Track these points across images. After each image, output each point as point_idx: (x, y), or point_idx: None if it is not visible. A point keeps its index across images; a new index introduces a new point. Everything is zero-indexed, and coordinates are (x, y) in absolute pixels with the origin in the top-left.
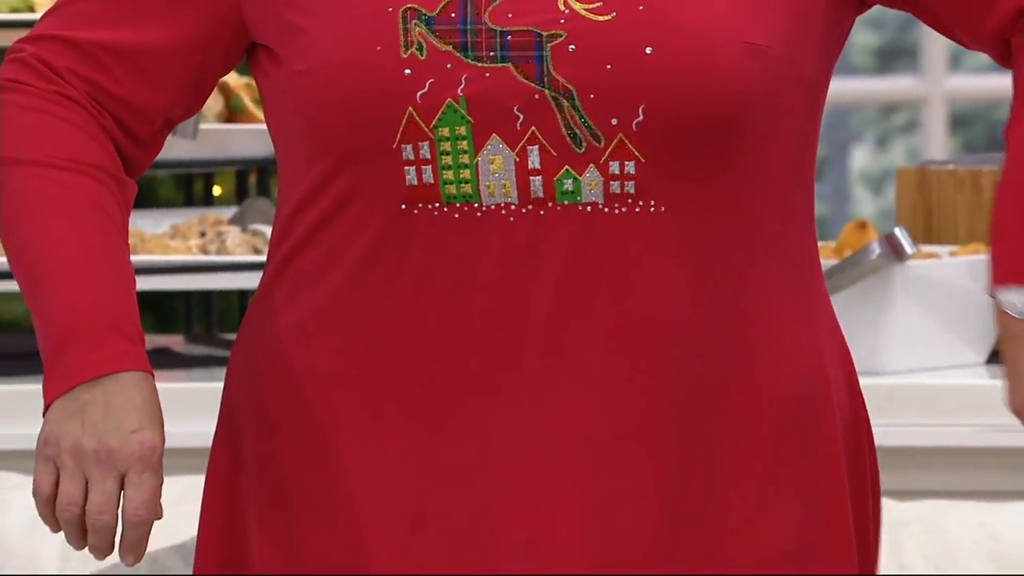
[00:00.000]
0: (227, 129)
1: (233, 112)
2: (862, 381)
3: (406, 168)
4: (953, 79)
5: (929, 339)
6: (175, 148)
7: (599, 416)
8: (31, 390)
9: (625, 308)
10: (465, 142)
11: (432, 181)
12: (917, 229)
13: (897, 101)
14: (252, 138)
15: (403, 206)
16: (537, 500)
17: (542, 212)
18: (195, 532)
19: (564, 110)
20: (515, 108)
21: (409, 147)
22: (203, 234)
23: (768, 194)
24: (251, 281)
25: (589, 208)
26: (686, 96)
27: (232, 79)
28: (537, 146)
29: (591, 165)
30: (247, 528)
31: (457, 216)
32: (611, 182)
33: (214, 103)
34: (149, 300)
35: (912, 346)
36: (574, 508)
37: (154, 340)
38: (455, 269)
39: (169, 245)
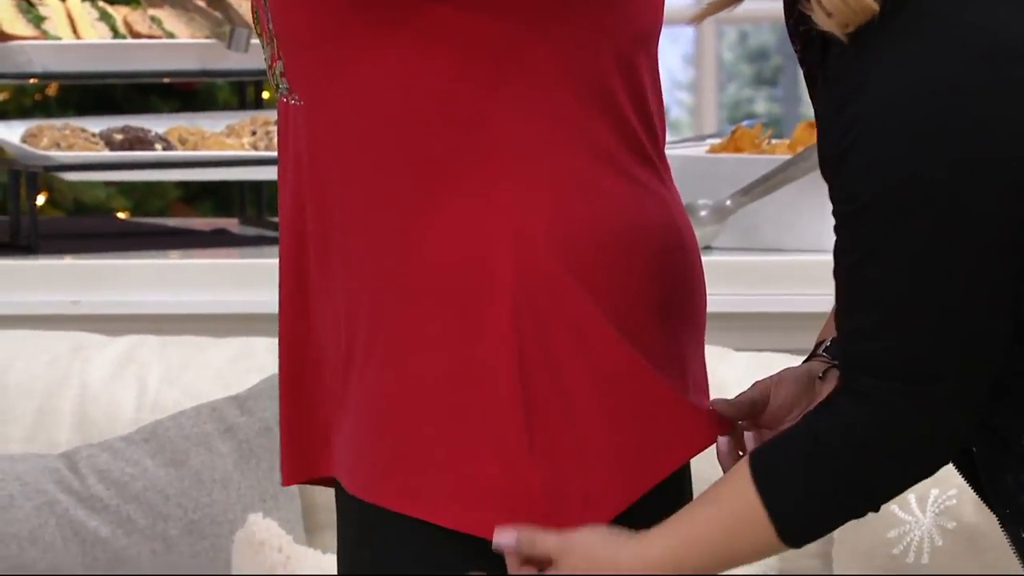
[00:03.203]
0: None
1: None
2: (811, 258)
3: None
4: None
5: None
6: (231, 59)
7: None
8: (111, 264)
9: (311, 187)
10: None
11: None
12: None
13: None
14: None
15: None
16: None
17: (284, 100)
18: (249, 385)
19: (269, 20)
20: (258, 11)
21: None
22: (254, 132)
23: (418, 98)
24: None
25: (286, 100)
26: (284, 9)
27: None
28: (268, 45)
29: (277, 62)
30: None
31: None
32: (281, 78)
33: None
34: (209, 188)
35: None
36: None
37: (213, 222)
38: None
39: (225, 142)
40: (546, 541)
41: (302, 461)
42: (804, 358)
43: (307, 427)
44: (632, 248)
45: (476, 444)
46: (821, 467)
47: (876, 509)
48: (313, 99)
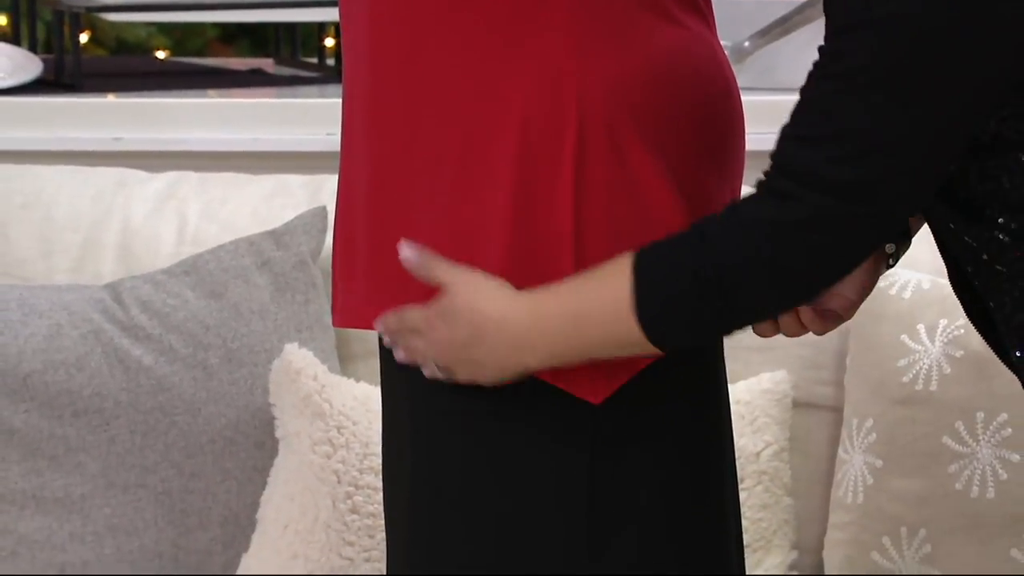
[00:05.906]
0: None
1: None
2: None
3: None
4: None
5: None
6: None
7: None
8: (152, 103)
9: (369, 39)
10: None
11: None
12: None
13: None
14: None
15: None
16: None
17: None
18: (285, 220)
19: None
20: None
21: None
22: None
23: None
24: (327, 15)
25: None
26: None
27: None
28: None
29: None
30: None
31: None
32: None
33: None
34: (245, 29)
35: None
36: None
37: (249, 62)
38: None
39: None
40: (439, 268)
41: (351, 309)
42: None
43: (358, 273)
44: (683, 94)
45: (534, 281)
46: (700, 269)
47: (726, 334)
48: None
